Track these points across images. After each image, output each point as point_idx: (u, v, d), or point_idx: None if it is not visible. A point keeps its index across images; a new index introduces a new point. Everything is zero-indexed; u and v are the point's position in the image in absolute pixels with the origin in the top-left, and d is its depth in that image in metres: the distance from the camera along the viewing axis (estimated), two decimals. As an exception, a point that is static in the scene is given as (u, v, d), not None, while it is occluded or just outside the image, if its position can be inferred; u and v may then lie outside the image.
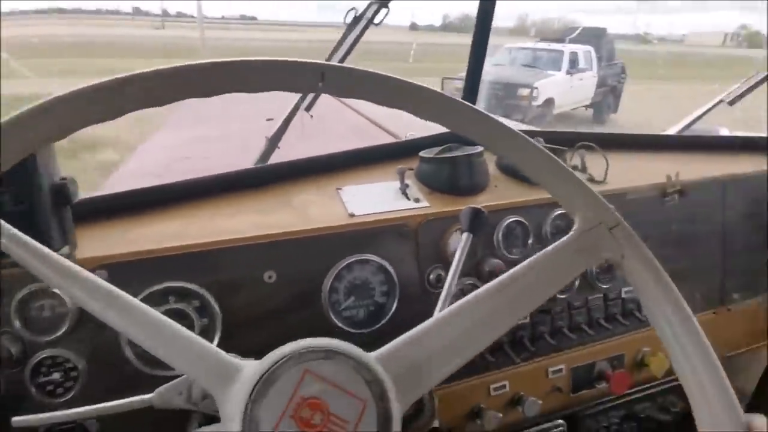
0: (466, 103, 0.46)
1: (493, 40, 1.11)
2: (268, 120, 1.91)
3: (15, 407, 0.68)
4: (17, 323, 0.66)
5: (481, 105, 0.82)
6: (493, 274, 0.87)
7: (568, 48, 8.08)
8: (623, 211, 1.01)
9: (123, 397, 0.58)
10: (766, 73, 1.47)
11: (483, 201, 0.93)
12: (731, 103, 1.38)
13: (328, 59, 1.13)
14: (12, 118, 0.36)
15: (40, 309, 0.68)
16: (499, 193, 0.97)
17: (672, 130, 1.49)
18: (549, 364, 0.96)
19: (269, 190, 0.94)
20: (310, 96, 1.07)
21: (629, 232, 0.47)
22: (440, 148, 1.00)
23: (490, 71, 7.54)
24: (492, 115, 0.47)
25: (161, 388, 0.52)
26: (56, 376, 0.69)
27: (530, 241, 0.92)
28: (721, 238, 1.15)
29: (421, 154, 1.00)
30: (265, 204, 0.88)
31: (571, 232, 0.47)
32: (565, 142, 1.09)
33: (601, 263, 0.46)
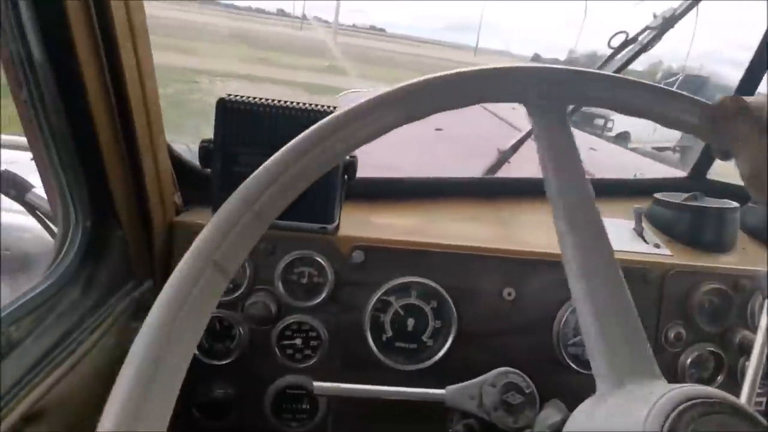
0: None
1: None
2: (437, 130, 1.90)
3: (258, 363, 0.71)
4: (280, 285, 0.70)
5: None
6: (743, 348, 0.77)
7: (656, 88, 8.94)
8: None
9: (355, 376, 0.59)
10: None
11: (729, 263, 0.83)
12: None
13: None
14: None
15: (301, 275, 0.71)
16: (748, 257, 0.86)
17: None
18: None
19: (501, 202, 0.92)
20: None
21: None
22: (686, 195, 0.91)
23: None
24: None
25: (453, 388, 0.50)
26: (298, 341, 0.71)
27: None
28: None
29: (659, 196, 0.92)
30: (501, 216, 0.86)
31: None
32: None
33: None
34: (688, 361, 0.77)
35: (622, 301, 0.36)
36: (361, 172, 0.70)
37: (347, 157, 0.69)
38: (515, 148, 0.97)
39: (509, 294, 0.73)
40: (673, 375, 0.78)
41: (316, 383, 0.53)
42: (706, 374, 0.79)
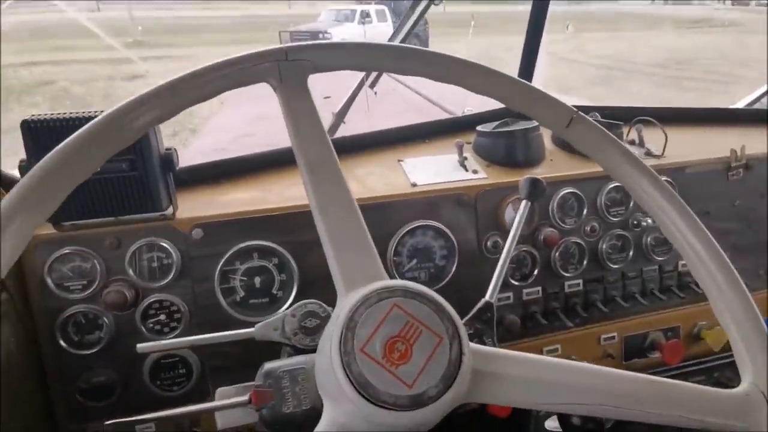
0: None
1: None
2: (326, 98, 1.99)
3: (129, 343, 0.80)
4: (131, 272, 0.78)
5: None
6: (547, 243, 0.92)
7: (360, 7, 11.05)
8: (683, 185, 1.03)
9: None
10: None
11: (539, 173, 0.96)
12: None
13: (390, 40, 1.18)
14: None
15: (150, 260, 0.79)
16: (555, 166, 1.00)
17: (740, 104, 1.44)
18: (601, 331, 1.00)
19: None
20: (374, 73, 1.14)
21: None
22: (497, 122, 1.03)
23: (312, 26, 11.04)
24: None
25: (260, 324, 0.61)
26: (162, 317, 0.80)
27: (585, 212, 0.95)
28: (787, 214, 1.12)
29: (479, 128, 1.04)
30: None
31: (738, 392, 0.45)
32: (622, 116, 1.10)
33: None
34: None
35: (356, 231, 0.48)
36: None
37: (163, 151, 0.77)
38: (345, 108, 1.07)
39: None
40: (498, 277, 0.92)
41: (139, 345, 0.62)
42: (526, 270, 0.94)
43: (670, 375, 1.14)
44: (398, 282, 0.45)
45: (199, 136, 5.17)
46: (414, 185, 0.91)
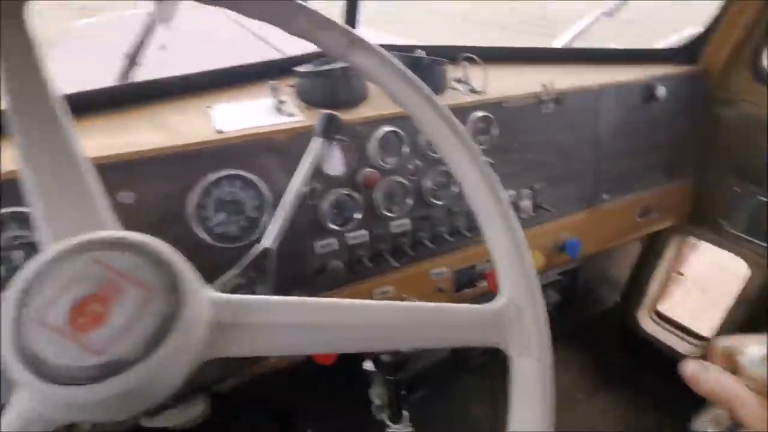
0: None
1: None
2: (162, 48, 1.76)
3: None
4: None
5: None
6: (367, 184, 0.90)
7: None
8: (502, 119, 1.06)
9: None
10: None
11: (362, 113, 0.93)
12: (609, 15, 1.43)
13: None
14: None
15: None
16: (377, 105, 0.97)
17: (557, 44, 1.53)
18: (431, 267, 1.03)
19: (132, 110, 0.89)
20: (171, 4, 0.99)
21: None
22: (318, 61, 0.97)
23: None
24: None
25: None
26: None
27: (406, 151, 0.94)
28: (594, 144, 1.23)
29: (297, 69, 0.97)
30: (124, 124, 0.84)
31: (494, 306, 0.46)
32: (449, 55, 1.10)
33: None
34: (325, 206, 0.88)
35: (73, 179, 0.44)
36: None
37: None
38: (137, 48, 0.93)
39: (128, 198, 0.74)
40: (320, 223, 0.89)
41: None
42: (348, 214, 0.92)
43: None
44: (106, 233, 0.38)
45: None
46: (219, 132, 0.83)
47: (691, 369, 0.42)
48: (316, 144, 0.70)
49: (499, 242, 0.49)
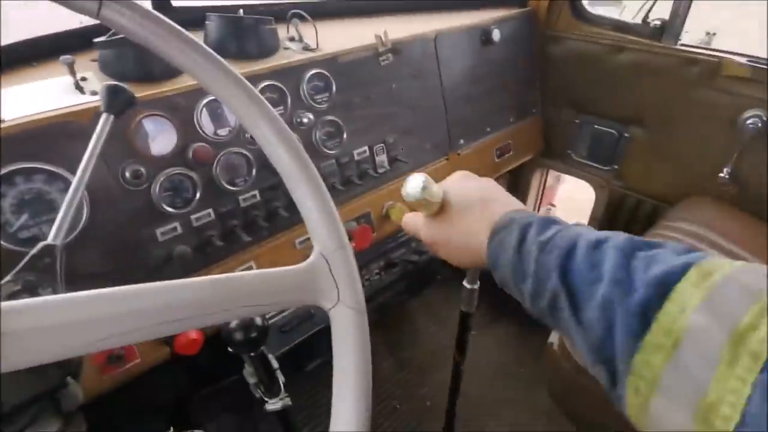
0: None
1: None
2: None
3: None
4: None
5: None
6: (198, 160, 0.84)
7: None
8: (338, 73, 1.04)
9: None
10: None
11: (180, 83, 0.85)
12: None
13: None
14: None
15: None
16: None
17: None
18: (294, 236, 1.00)
19: None
20: None
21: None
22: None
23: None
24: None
25: None
26: None
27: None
28: (441, 92, 1.27)
29: (96, 40, 0.85)
30: None
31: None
32: (273, 13, 1.04)
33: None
34: (157, 189, 0.81)
35: None
36: None
37: None
38: None
39: None
40: (156, 208, 0.81)
41: None
42: (186, 194, 0.85)
43: (376, 255, 1.25)
44: None
45: None
46: (2, 121, 0.71)
47: (403, 221, 0.56)
48: (103, 121, 0.62)
49: (304, 196, 0.47)
